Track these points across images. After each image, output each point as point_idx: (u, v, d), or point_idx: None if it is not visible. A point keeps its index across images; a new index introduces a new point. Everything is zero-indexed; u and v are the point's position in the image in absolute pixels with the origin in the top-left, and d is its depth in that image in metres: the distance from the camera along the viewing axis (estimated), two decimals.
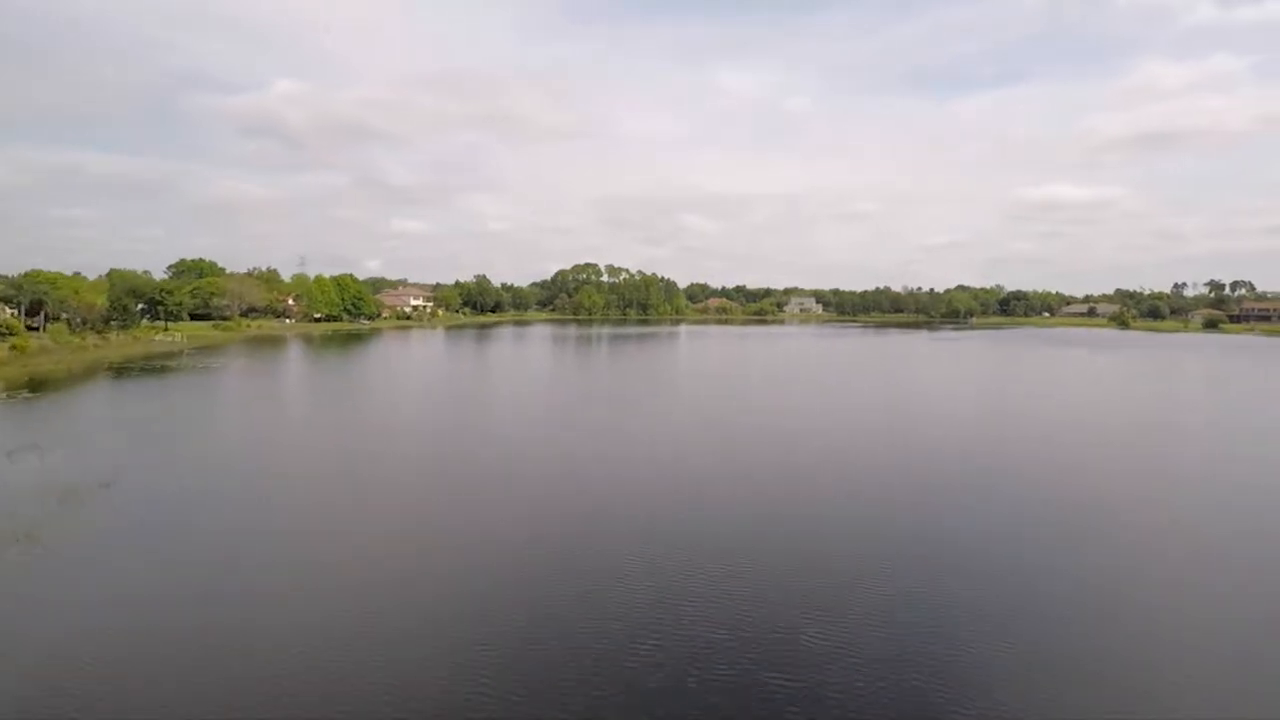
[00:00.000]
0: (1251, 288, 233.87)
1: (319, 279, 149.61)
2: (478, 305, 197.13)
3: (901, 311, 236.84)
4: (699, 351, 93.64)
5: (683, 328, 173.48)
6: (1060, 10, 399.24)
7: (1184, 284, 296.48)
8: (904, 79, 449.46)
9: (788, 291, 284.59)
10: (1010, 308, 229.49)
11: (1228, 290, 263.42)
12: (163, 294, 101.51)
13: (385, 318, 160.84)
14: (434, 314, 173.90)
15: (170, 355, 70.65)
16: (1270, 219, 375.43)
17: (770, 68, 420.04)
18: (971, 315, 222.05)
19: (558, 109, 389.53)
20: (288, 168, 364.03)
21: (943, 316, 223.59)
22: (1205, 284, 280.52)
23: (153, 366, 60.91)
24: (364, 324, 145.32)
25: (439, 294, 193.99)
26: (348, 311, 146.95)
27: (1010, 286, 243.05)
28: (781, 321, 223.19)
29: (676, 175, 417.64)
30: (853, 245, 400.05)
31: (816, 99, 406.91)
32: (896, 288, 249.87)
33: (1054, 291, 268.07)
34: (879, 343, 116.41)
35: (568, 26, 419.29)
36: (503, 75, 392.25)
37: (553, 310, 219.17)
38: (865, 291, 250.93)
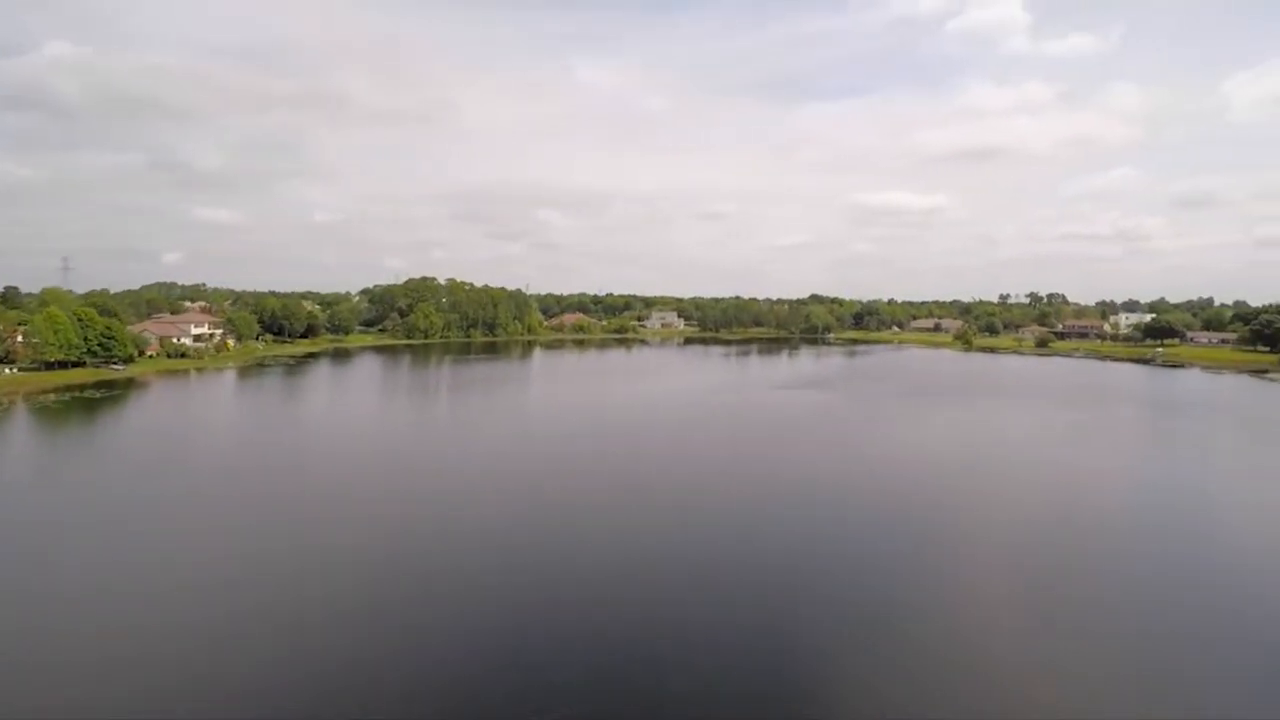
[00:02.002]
0: (1064, 299, 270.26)
1: (50, 311, 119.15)
2: (283, 330, 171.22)
3: (762, 325, 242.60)
4: (541, 418, 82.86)
5: (535, 359, 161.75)
6: (897, 31, 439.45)
7: (1008, 295, 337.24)
8: (756, 85, 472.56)
9: (649, 304, 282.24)
10: (864, 322, 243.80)
11: (1045, 300, 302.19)
12: None
13: (152, 356, 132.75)
14: (222, 347, 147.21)
15: None
16: (1064, 227, 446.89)
17: (629, 64, 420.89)
18: (829, 331, 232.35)
19: (393, 91, 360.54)
20: (61, 145, 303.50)
21: (802, 332, 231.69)
22: (1026, 295, 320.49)
23: None
24: (118, 370, 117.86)
25: (235, 317, 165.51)
26: (93, 353, 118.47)
27: (854, 285, 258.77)
28: (643, 340, 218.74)
29: (531, 169, 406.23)
30: (710, 244, 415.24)
31: (674, 99, 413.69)
32: (753, 288, 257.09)
33: (900, 301, 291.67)
34: (734, 383, 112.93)
35: (403, 2, 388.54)
36: (326, 49, 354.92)
37: (382, 331, 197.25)
38: (726, 304, 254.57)
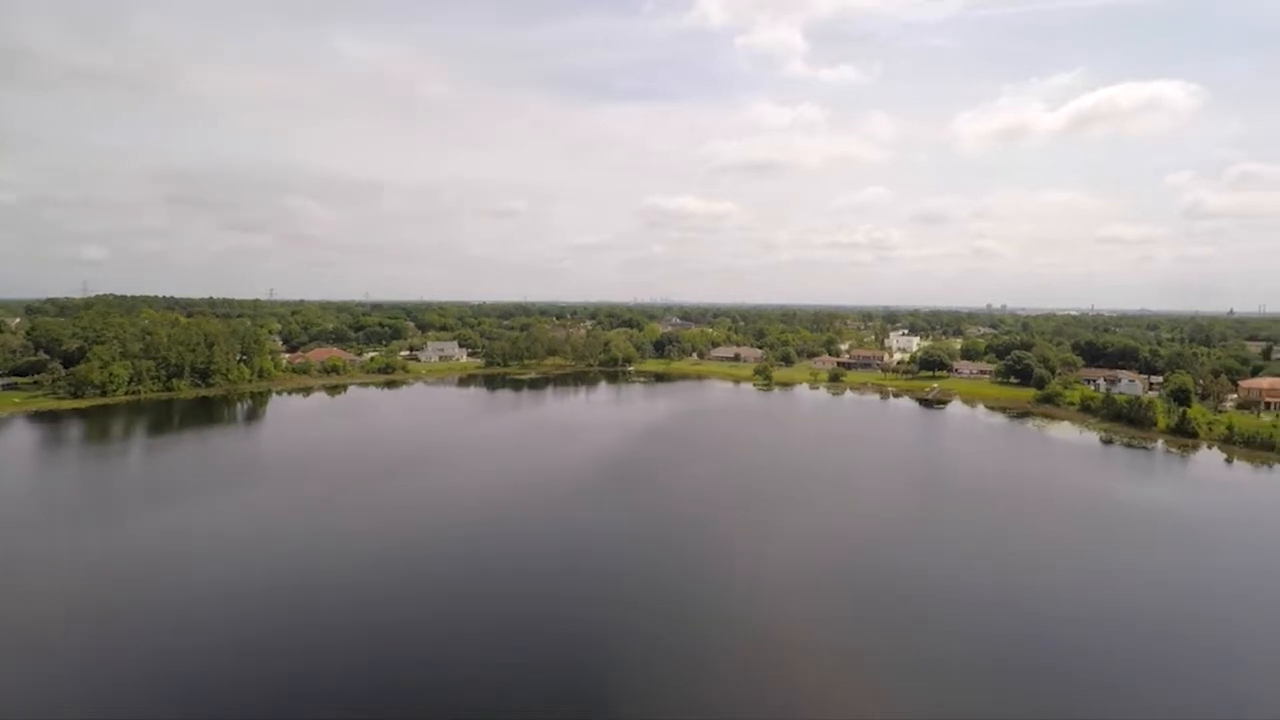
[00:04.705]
0: (845, 322, 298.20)
1: None
2: None
3: (557, 354, 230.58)
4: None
5: (266, 421, 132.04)
6: (690, 41, 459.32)
7: (794, 311, 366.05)
8: (547, 79, 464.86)
9: (425, 326, 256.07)
10: (665, 350, 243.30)
11: (827, 318, 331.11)
12: None
13: None
14: None
15: None
16: (830, 236, 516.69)
17: (404, 42, 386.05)
18: (630, 362, 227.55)
19: (93, 47, 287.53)
20: None
21: (601, 364, 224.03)
22: (811, 314, 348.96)
23: None
24: None
25: None
26: None
27: (646, 285, 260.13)
28: (420, 376, 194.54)
29: (281, 149, 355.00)
30: (501, 241, 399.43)
31: (457, 86, 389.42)
32: (547, 288, 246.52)
33: (690, 304, 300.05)
34: (514, 487, 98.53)
35: None
36: None
37: (37, 387, 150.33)
38: (517, 333, 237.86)
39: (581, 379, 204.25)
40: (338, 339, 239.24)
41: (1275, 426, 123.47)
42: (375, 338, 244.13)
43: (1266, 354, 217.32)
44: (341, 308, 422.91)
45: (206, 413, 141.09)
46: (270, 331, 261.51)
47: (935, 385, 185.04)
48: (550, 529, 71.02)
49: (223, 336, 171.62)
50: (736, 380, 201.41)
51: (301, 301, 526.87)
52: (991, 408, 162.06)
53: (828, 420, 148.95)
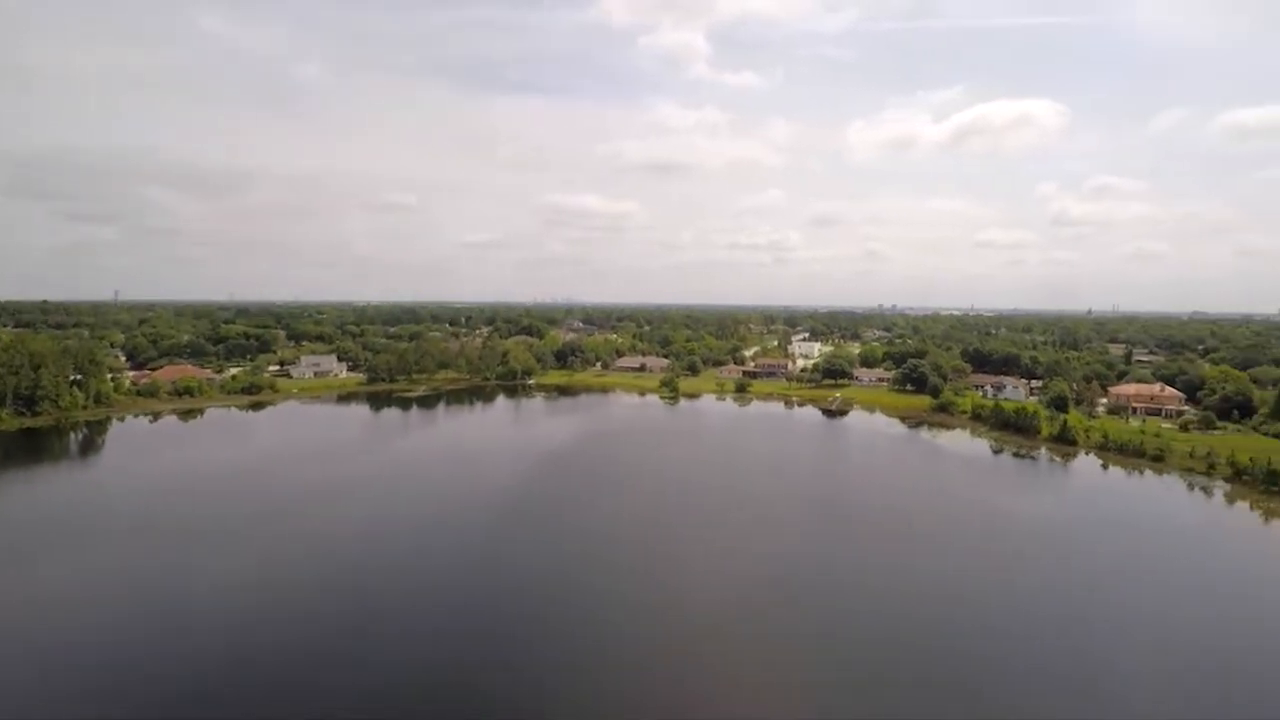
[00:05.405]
0: (749, 328, 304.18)
1: None
2: None
3: (448, 368, 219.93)
4: None
5: (102, 456, 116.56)
6: (593, 37, 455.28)
7: (697, 314, 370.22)
8: (440, 67, 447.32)
9: (298, 336, 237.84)
10: (568, 361, 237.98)
11: (731, 321, 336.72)
12: None
13: None
14: None
15: None
16: (731, 237, 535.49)
17: (279, 22, 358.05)
18: (530, 375, 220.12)
19: None
20: None
21: (499, 377, 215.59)
22: (715, 315, 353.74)
23: None
24: None
25: None
26: None
27: (546, 284, 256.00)
28: (290, 394, 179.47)
29: (135, 134, 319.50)
30: (389, 237, 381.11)
31: (339, 70, 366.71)
32: (440, 288, 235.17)
33: (591, 305, 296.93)
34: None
35: None
36: None
37: None
38: (405, 344, 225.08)
39: (477, 394, 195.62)
40: (194, 353, 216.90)
41: (1143, 433, 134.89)
42: (239, 351, 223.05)
43: (1128, 358, 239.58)
44: (200, 312, 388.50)
45: (31, 447, 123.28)
46: (112, 344, 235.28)
47: (838, 395, 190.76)
48: (440, 585, 65.11)
49: (52, 356, 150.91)
50: (642, 392, 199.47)
51: (152, 306, 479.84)
52: (890, 415, 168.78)
53: (735, 435, 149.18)
